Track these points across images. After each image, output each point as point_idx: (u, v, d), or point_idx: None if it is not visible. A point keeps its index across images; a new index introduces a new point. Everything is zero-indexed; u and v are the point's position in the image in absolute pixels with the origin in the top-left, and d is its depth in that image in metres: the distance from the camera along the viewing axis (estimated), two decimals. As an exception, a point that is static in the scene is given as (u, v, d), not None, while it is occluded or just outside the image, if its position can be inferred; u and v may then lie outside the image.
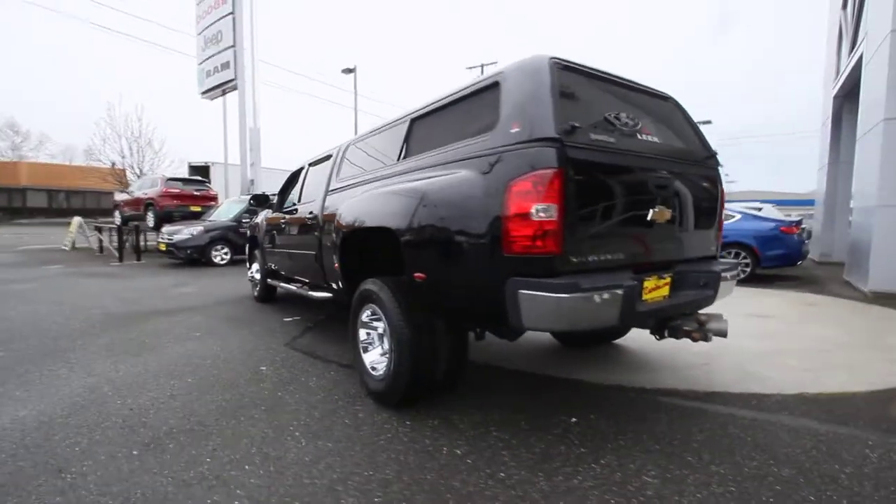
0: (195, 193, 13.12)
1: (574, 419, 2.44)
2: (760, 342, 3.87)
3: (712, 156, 2.86)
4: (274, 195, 5.58)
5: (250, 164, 14.61)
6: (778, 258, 7.53)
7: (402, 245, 2.38)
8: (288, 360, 3.50)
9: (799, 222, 7.89)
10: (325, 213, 3.78)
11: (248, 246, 6.46)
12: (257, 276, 5.97)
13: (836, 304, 5.65)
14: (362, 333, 2.84)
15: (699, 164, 2.75)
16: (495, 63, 33.07)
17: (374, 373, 2.70)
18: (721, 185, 2.90)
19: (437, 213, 2.20)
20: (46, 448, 2.15)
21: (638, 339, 3.75)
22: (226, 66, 14.49)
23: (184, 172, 20.45)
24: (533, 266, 1.95)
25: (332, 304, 5.41)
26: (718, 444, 2.17)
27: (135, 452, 2.11)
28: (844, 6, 9.04)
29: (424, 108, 2.92)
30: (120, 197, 15.11)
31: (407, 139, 2.99)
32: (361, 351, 2.84)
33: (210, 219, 11.01)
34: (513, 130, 2.07)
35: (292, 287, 4.94)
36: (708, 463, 2.00)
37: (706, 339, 2.30)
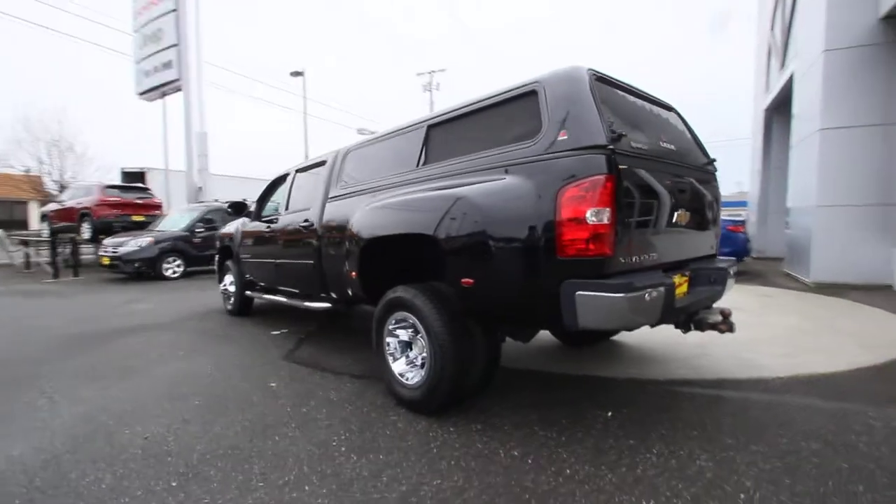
0: (137, 202, 12.14)
1: (610, 413, 2.53)
2: (738, 332, 4.18)
3: (711, 161, 3.10)
4: (252, 203, 5.32)
5: (198, 169, 13.78)
6: (728, 255, 8.18)
7: (445, 251, 2.36)
8: (295, 375, 3.34)
9: (744, 222, 8.66)
10: (326, 221, 3.67)
11: (217, 257, 6.09)
12: (231, 289, 5.65)
13: (788, 294, 6.26)
14: (390, 342, 2.78)
15: (701, 168, 2.97)
16: (444, 70, 33.64)
17: (406, 381, 2.66)
18: (719, 187, 3.14)
19: (486, 219, 2.21)
20: (66, 489, 1.92)
21: (627, 335, 3.95)
22: (167, 65, 13.61)
23: (114, 179, 18.94)
24: (586, 268, 2.02)
25: (322, 314, 5.29)
26: (747, 425, 2.35)
27: (174, 483, 1.93)
28: (773, 28, 10.08)
29: (444, 115, 2.93)
30: (49, 207, 13.68)
31: (426, 145, 2.98)
32: (389, 360, 2.78)
33: (158, 229, 10.25)
34: (561, 138, 2.13)
35: (277, 298, 4.73)
36: (746, 443, 2.16)
37: (731, 329, 2.48)
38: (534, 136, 2.27)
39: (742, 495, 1.76)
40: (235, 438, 2.34)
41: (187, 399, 2.88)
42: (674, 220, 2.46)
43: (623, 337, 4.02)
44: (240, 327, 5.00)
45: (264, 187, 5.25)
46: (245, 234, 5.22)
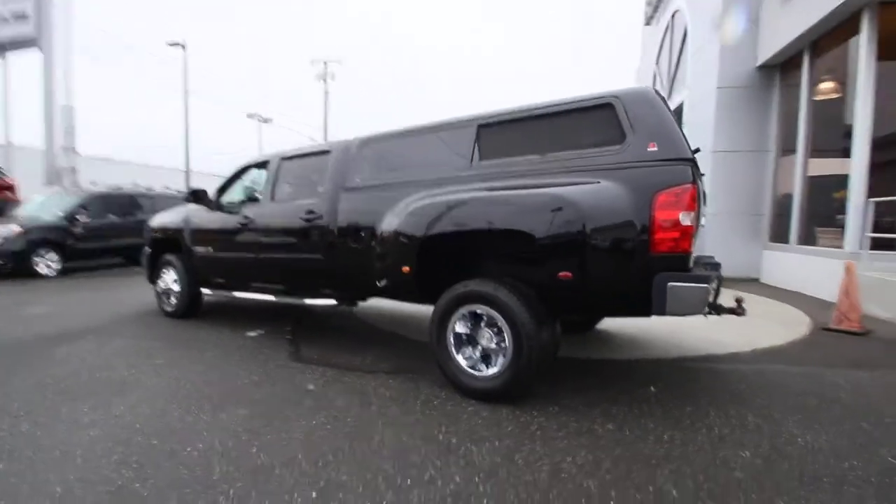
0: (-21, 182, 9.66)
1: (653, 388, 2.91)
2: (685, 319, 5.00)
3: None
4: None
5: (62, 147, 11.41)
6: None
7: (541, 248, 2.48)
8: (325, 376, 3.13)
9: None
10: (345, 213, 3.49)
11: (149, 252, 5.24)
12: (176, 288, 4.92)
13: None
14: (457, 334, 2.80)
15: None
16: (339, 62, 32.61)
17: (477, 373, 2.71)
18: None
19: (587, 219, 2.39)
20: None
21: (605, 323, 4.47)
22: (20, 17, 11.01)
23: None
24: (672, 263, 2.34)
25: (297, 311, 4.93)
26: (759, 391, 2.90)
27: (314, 495, 1.77)
28: (658, 62, 11.90)
29: (498, 116, 3.04)
30: None
31: (478, 143, 3.05)
32: (454, 353, 2.80)
33: (24, 216, 8.32)
34: (650, 149, 2.42)
35: (252, 296, 4.32)
36: (769, 405, 2.68)
37: (744, 313, 3.02)
38: (618, 143, 2.53)
39: (799, 439, 2.23)
40: (334, 441, 2.18)
41: (214, 412, 2.54)
42: (703, 220, 2.93)
43: (604, 325, 4.50)
44: (201, 330, 4.40)
45: (228, 175, 4.70)
46: (202, 226, 4.61)
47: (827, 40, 6.33)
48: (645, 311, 2.46)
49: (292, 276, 3.95)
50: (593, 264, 2.41)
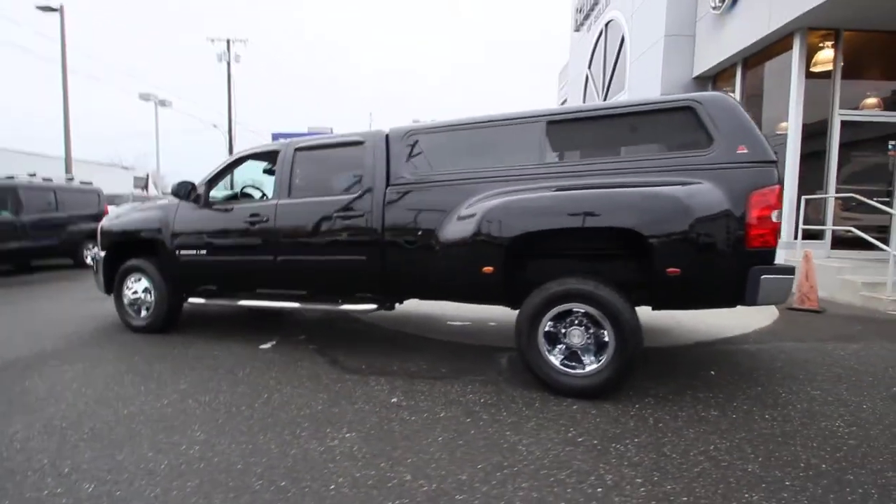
0: None
1: (713, 372, 3.16)
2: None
3: None
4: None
5: None
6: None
7: (652, 245, 2.54)
8: (394, 387, 2.90)
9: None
10: (398, 209, 3.26)
11: (105, 257, 4.38)
12: (148, 297, 4.19)
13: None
14: (547, 330, 2.77)
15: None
16: (246, 41, 30.03)
17: (574, 371, 2.72)
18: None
19: (693, 217, 2.49)
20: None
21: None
22: None
23: None
24: (762, 257, 2.57)
25: (291, 317, 4.53)
26: (793, 367, 3.28)
27: (523, 516, 1.65)
28: (590, 67, 12.77)
29: (569, 113, 3.05)
30: None
31: (548, 140, 3.03)
32: (545, 352, 2.77)
33: None
34: (740, 151, 2.61)
35: (259, 304, 3.87)
36: (812, 379, 3.05)
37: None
38: (705, 145, 2.68)
39: (864, 405, 2.59)
40: (486, 458, 2.04)
41: (328, 435, 2.25)
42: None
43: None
44: (197, 346, 3.81)
45: (219, 167, 4.11)
46: (192, 226, 3.97)
47: (758, 57, 7.32)
48: (734, 302, 2.66)
49: (324, 279, 3.58)
50: (699, 260, 2.54)
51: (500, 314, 4.66)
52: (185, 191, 3.93)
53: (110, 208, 9.96)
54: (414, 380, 3.03)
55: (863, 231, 5.63)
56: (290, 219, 3.61)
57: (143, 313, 4.24)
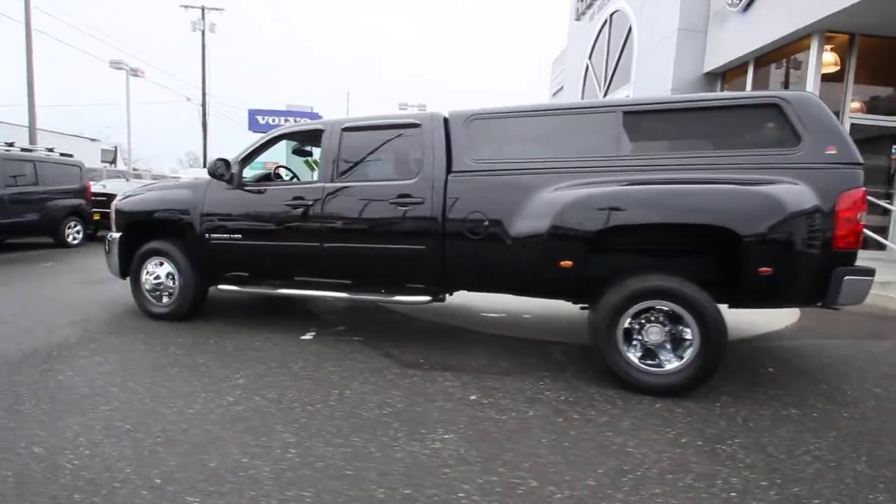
0: None
1: (770, 369, 3.20)
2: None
3: None
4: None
5: None
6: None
7: (747, 244, 2.50)
8: (463, 384, 2.80)
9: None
10: (463, 198, 3.12)
11: (121, 239, 4.05)
12: (170, 283, 3.91)
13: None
14: (627, 332, 2.72)
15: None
16: (222, 10, 28.57)
17: (654, 369, 2.68)
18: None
19: (788, 216, 2.47)
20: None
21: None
22: None
23: None
24: (845, 258, 2.58)
25: (349, 311, 4.39)
26: (840, 364, 3.36)
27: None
28: (591, 57, 12.72)
29: (648, 104, 2.96)
30: None
31: (624, 131, 2.94)
32: (624, 349, 2.72)
33: None
34: (829, 152, 2.59)
35: (298, 292, 3.67)
36: (859, 376, 3.13)
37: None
38: (792, 144, 2.65)
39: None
40: (599, 461, 1.97)
41: (424, 437, 2.14)
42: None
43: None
44: (235, 336, 3.59)
45: (254, 144, 3.83)
46: (226, 208, 3.70)
47: (771, 56, 7.43)
48: (813, 302, 2.67)
49: (377, 269, 3.41)
50: (791, 260, 2.52)
51: (533, 306, 4.62)
52: (221, 170, 3.64)
53: (92, 184, 9.34)
54: (481, 375, 2.93)
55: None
56: (341, 203, 3.41)
57: (165, 300, 3.96)
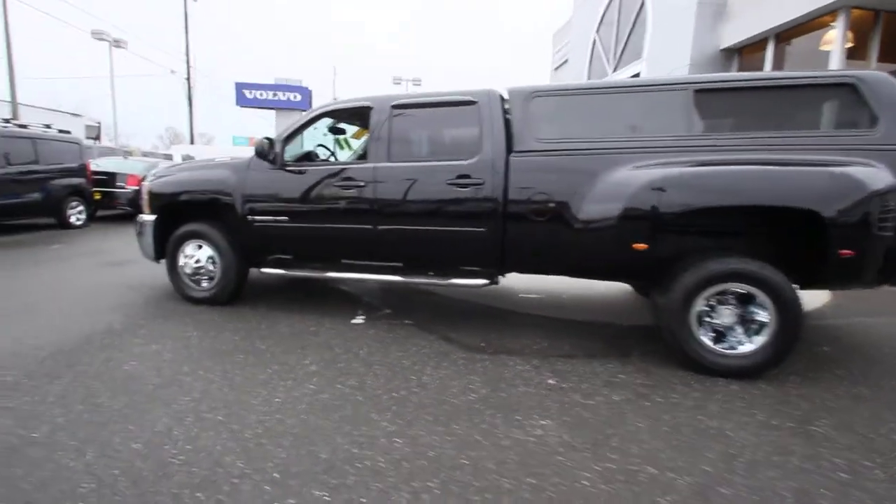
0: None
1: (826, 348, 3.25)
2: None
3: None
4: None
5: None
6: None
7: (829, 227, 2.48)
8: (535, 368, 2.79)
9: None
10: (527, 179, 3.04)
11: (155, 221, 3.89)
12: (211, 267, 3.80)
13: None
14: (701, 314, 2.71)
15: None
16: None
17: (728, 351, 2.69)
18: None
19: (869, 198, 2.45)
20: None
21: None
22: None
23: None
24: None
25: (386, 293, 4.30)
26: (881, 343, 3.43)
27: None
28: (598, 31, 12.46)
29: (720, 81, 2.88)
30: None
31: (696, 110, 2.87)
32: (696, 331, 2.72)
33: None
34: (905, 132, 2.56)
35: (349, 275, 3.59)
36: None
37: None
38: (868, 126, 2.62)
39: None
40: (700, 444, 1.99)
41: (521, 424, 2.12)
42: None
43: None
44: (285, 321, 3.51)
45: (297, 123, 3.67)
46: (271, 189, 3.57)
47: (792, 32, 7.34)
48: (883, 283, 2.70)
49: (433, 252, 3.34)
50: (871, 243, 2.52)
51: (567, 286, 4.62)
52: (267, 149, 3.48)
53: (91, 162, 8.98)
54: (548, 359, 2.92)
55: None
56: (395, 184, 3.30)
57: (205, 283, 3.85)
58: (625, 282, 3.20)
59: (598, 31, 12.55)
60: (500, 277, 3.46)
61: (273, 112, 24.96)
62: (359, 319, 3.60)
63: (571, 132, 3.07)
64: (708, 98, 2.90)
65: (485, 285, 3.32)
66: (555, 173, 3.02)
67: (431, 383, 2.51)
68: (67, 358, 2.70)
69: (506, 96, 3.28)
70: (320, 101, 25.89)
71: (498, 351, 3.03)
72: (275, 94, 25.03)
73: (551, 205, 3.00)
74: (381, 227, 3.35)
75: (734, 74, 2.98)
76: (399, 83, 28.76)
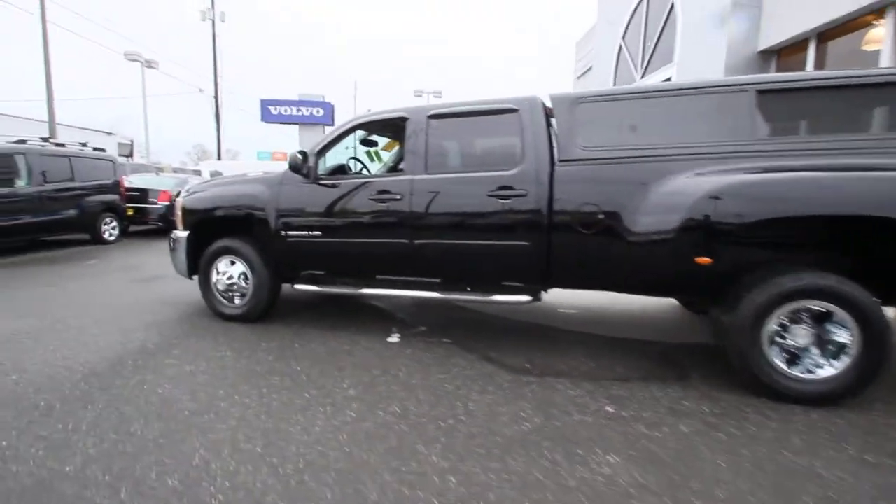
0: None
1: None
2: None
3: None
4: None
5: None
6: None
7: None
8: (589, 393, 2.58)
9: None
10: (574, 190, 2.87)
11: (188, 237, 3.85)
12: (244, 284, 3.72)
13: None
14: (771, 329, 2.47)
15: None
16: None
17: (807, 375, 2.44)
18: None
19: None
20: None
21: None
22: None
23: None
24: None
25: (419, 309, 4.12)
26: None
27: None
28: (625, 37, 12.24)
29: (785, 81, 2.66)
30: None
31: (761, 114, 2.65)
32: (769, 354, 2.47)
33: None
34: None
35: (385, 292, 3.44)
36: None
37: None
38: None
39: None
40: (797, 484, 1.75)
41: (585, 459, 1.92)
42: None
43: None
44: (318, 339, 3.39)
45: (331, 136, 3.59)
46: (305, 203, 3.48)
47: (836, 31, 7.00)
48: None
49: (475, 267, 3.18)
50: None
51: (609, 300, 4.38)
52: (301, 163, 3.40)
53: (125, 178, 9.17)
54: (601, 382, 2.71)
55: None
56: (433, 197, 3.17)
57: (238, 300, 3.77)
58: (678, 298, 2.96)
59: (623, 37, 12.32)
60: (543, 293, 3.28)
61: (296, 127, 25.39)
62: (394, 338, 3.45)
63: (621, 139, 2.89)
64: (772, 99, 2.68)
65: (528, 302, 3.13)
66: (605, 183, 2.83)
67: (479, 410, 2.33)
68: (101, 381, 2.63)
69: (548, 103, 3.13)
70: (342, 116, 26.24)
71: (545, 372, 2.84)
72: (298, 110, 25.45)
73: (601, 216, 2.81)
74: (417, 242, 3.21)
75: (798, 74, 2.75)
76: (420, 95, 28.91)
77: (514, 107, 3.12)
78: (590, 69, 15.45)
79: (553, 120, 3.08)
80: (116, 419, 2.21)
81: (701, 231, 2.52)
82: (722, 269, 2.56)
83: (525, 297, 3.13)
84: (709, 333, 3.31)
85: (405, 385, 2.61)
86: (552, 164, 2.96)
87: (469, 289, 3.29)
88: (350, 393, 2.50)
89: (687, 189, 2.56)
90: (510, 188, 2.99)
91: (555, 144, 3.01)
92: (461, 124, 3.29)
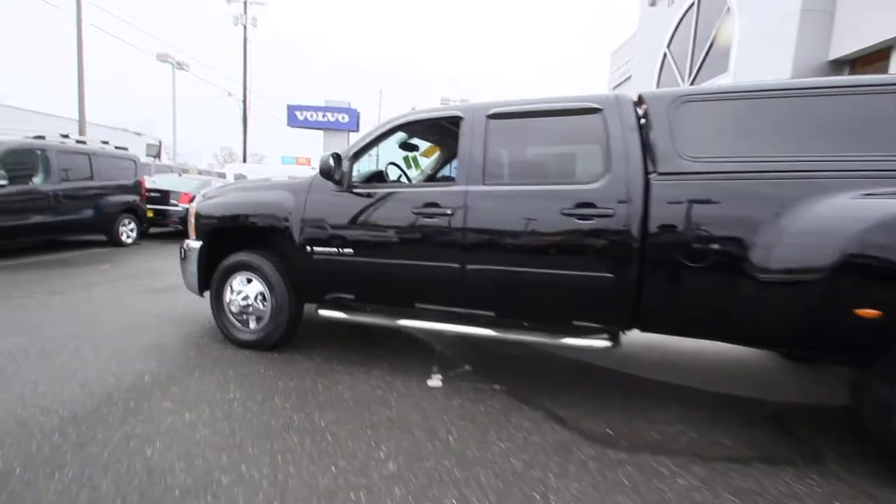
0: None
1: None
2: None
3: None
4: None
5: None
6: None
7: None
8: (708, 484, 1.95)
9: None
10: (669, 210, 2.26)
11: (200, 249, 3.35)
12: (261, 306, 3.18)
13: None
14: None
15: None
16: (264, 2, 28.38)
17: None
18: None
19: None
20: None
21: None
22: None
23: None
24: None
25: (461, 340, 3.47)
26: None
27: None
28: (670, 45, 11.58)
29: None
30: None
31: None
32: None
33: None
34: None
35: (428, 325, 2.86)
36: None
37: None
38: None
39: None
40: None
41: None
42: None
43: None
44: (341, 380, 2.83)
45: (368, 138, 3.06)
46: (336, 215, 2.94)
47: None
48: None
49: (536, 299, 2.59)
50: None
51: (676, 338, 3.71)
52: (332, 167, 2.86)
53: (146, 178, 8.88)
54: (712, 465, 2.06)
55: None
56: (492, 213, 2.60)
57: (253, 324, 3.25)
58: (812, 355, 2.32)
59: (669, 45, 11.65)
60: (622, 336, 2.66)
61: (321, 133, 25.33)
62: (435, 381, 2.86)
63: (744, 148, 2.26)
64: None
65: (607, 348, 2.52)
66: (719, 202, 2.21)
67: (560, 499, 1.72)
68: (79, 431, 2.10)
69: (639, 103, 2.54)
70: (368, 123, 26.09)
71: (635, 445, 2.20)
72: (324, 116, 25.40)
73: (714, 245, 2.19)
74: (470, 267, 2.63)
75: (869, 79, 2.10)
76: (447, 102, 28.59)
77: (598, 105, 2.53)
78: (629, 78, 14.79)
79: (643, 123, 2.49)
80: (87, 498, 1.66)
81: (869, 273, 1.88)
82: (891, 323, 1.90)
83: (604, 343, 2.51)
84: (814, 390, 2.64)
85: (460, 458, 2.01)
86: (647, 176, 2.35)
87: (527, 325, 2.70)
88: (389, 467, 1.91)
89: (850, 215, 1.92)
90: (591, 205, 2.39)
91: (650, 153, 2.41)
92: (528, 126, 2.72)
